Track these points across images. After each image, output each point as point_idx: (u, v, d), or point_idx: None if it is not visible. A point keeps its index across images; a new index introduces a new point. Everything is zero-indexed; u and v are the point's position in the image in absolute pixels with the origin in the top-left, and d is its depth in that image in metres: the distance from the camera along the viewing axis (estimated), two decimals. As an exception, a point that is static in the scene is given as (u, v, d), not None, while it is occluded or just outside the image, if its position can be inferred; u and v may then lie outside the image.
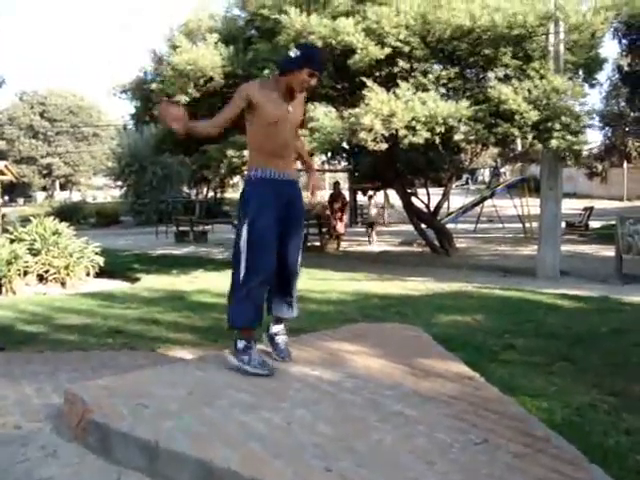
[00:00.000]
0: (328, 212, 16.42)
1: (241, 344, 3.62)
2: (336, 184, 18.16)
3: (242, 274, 3.53)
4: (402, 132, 9.11)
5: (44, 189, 50.97)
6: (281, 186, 3.67)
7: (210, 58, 10.64)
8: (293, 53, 3.59)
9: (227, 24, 12.16)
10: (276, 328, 3.93)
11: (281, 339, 3.90)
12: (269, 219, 3.58)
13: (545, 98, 9.24)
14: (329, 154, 17.58)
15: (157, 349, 5.18)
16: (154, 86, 11.55)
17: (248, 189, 3.68)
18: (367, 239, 17.22)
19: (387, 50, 9.57)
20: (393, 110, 9.04)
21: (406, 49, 9.75)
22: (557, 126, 9.31)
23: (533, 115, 9.20)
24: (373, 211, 18.67)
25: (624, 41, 19.20)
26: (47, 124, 48.25)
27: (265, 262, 3.57)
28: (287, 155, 3.74)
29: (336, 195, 16.96)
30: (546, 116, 9.30)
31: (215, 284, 8.57)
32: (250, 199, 3.62)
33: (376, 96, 9.26)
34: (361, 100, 9.55)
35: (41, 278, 9.90)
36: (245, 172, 3.78)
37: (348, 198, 24.93)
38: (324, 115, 9.79)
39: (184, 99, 10.64)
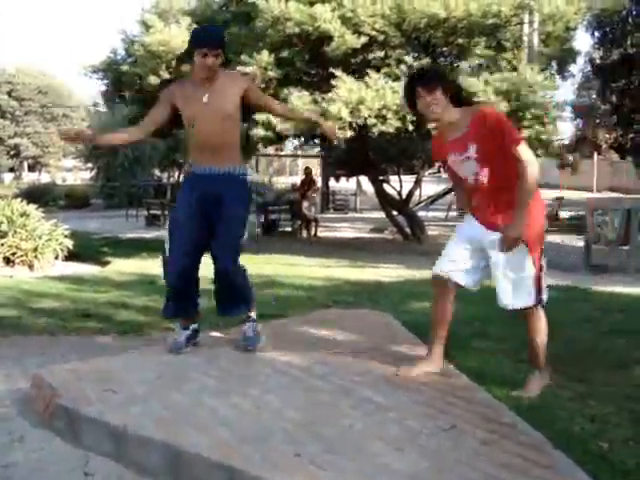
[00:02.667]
0: (298, 197, 16.37)
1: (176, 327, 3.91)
2: (307, 169, 18.13)
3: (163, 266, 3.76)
4: (371, 121, 9.12)
5: (11, 170, 50.01)
6: (205, 182, 3.58)
7: (183, 39, 10.51)
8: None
9: (201, 6, 12.02)
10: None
11: (247, 326, 3.81)
12: (183, 216, 3.61)
13: (515, 91, 9.32)
14: (302, 139, 17.54)
15: (127, 333, 5.14)
16: (125, 67, 11.39)
17: (183, 181, 3.91)
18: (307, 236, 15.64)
19: (363, 39, 9.56)
20: (362, 98, 9.03)
21: (381, 38, 9.75)
22: (527, 116, 9.40)
23: (502, 107, 9.28)
24: (305, 204, 15.83)
25: (597, 34, 19.45)
26: (15, 103, 47.26)
27: (174, 258, 3.60)
28: (214, 149, 3.57)
29: (307, 180, 16.96)
30: (516, 107, 9.39)
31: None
32: (179, 191, 3.78)
33: (344, 85, 9.25)
34: (333, 88, 9.54)
35: (8, 261, 9.72)
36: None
37: (321, 184, 24.94)
38: (297, 99, 9.76)
39: (155, 80, 10.50)
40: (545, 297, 3.28)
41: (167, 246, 3.62)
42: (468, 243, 3.30)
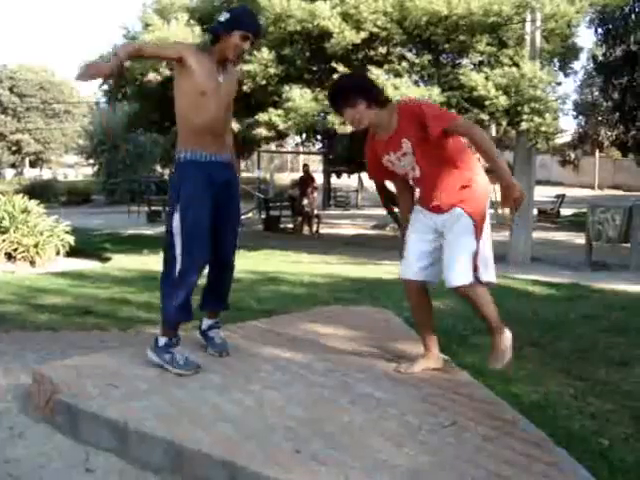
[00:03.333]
0: (297, 193, 16.37)
1: (162, 341, 3.33)
2: (305, 166, 18.16)
3: (178, 266, 3.26)
4: None
5: (13, 166, 50.02)
6: (215, 168, 3.34)
7: (182, 37, 10.50)
8: (222, 17, 3.29)
9: (202, 3, 12.01)
10: (208, 322, 3.67)
11: (215, 333, 3.66)
12: (203, 207, 3.28)
13: (514, 86, 9.32)
14: (304, 136, 17.53)
15: (128, 329, 5.15)
16: (127, 63, 11.38)
17: (178, 172, 3.34)
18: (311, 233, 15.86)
19: (363, 35, 9.55)
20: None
21: (383, 34, 9.75)
22: (527, 109, 9.41)
23: (503, 100, 9.28)
24: (305, 201, 16.01)
25: (599, 30, 19.39)
26: (17, 99, 47.23)
27: (200, 253, 3.30)
28: (219, 133, 3.37)
29: (305, 177, 16.98)
30: (516, 101, 9.39)
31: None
32: (181, 184, 3.29)
33: None
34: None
35: (9, 257, 9.74)
36: (177, 152, 3.36)
37: (322, 180, 24.94)
38: (300, 96, 9.76)
39: (154, 77, 10.50)
40: (487, 277, 3.21)
41: (179, 246, 3.27)
42: (424, 234, 3.29)
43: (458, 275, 3.08)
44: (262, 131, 10.10)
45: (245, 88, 9.85)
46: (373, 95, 3.19)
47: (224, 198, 3.39)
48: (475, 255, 3.12)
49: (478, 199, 3.19)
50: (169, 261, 3.33)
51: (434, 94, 9.27)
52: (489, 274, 3.22)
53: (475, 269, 3.13)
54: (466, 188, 3.16)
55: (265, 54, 9.98)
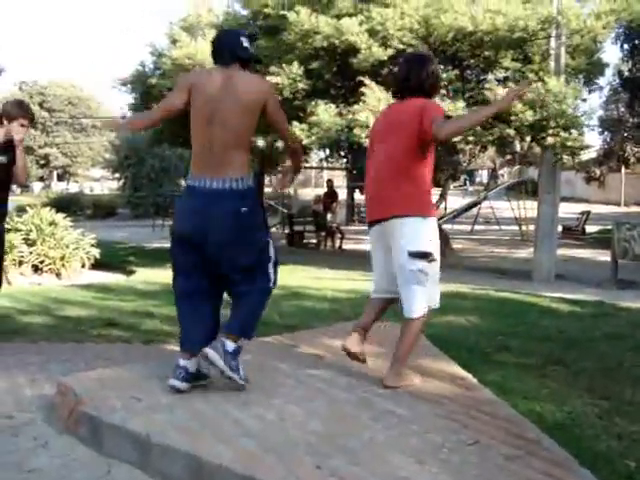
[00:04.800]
0: (321, 208, 16.43)
1: (233, 346, 3.19)
2: (329, 181, 18.22)
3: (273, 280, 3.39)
4: None
5: (41, 179, 50.81)
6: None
7: (209, 52, 10.62)
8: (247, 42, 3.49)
9: (228, 20, 12.15)
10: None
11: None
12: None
13: (540, 101, 9.28)
14: (327, 151, 17.57)
15: (151, 342, 5.18)
16: (154, 80, 11.55)
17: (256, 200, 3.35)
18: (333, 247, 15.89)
19: (390, 51, 9.60)
20: (390, 108, 9.08)
21: (409, 50, 9.78)
22: (552, 124, 9.36)
23: (529, 115, 9.24)
24: (329, 216, 16.18)
25: (625, 46, 19.25)
26: (46, 114, 48.08)
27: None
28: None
29: (329, 193, 17.03)
30: (541, 116, 9.34)
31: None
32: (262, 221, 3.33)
33: (373, 94, 9.28)
34: (360, 98, 9.58)
35: (36, 269, 9.87)
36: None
37: (346, 196, 24.95)
38: (324, 111, 9.82)
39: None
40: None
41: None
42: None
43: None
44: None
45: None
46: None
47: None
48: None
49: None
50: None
51: (459, 108, 9.27)
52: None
53: None
54: None
55: (295, 68, 10.06)
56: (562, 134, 9.35)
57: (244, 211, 3.14)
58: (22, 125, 4.45)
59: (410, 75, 3.41)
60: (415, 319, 3.31)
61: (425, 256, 3.24)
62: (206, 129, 3.18)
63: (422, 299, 3.29)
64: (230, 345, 3.14)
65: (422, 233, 3.24)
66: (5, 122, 4.43)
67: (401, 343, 3.37)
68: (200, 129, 3.21)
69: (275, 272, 3.36)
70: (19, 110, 4.47)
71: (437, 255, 3.31)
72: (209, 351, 3.08)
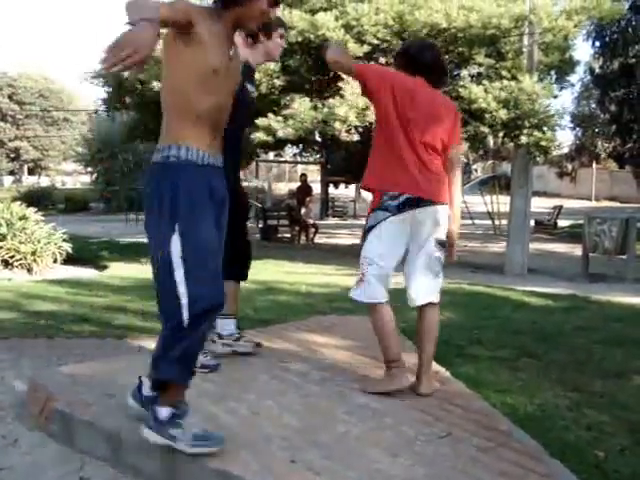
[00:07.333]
0: (295, 203, 16.46)
1: (165, 412, 2.45)
2: (302, 176, 18.24)
3: (183, 305, 2.35)
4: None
5: (11, 173, 50.05)
6: (214, 177, 2.52)
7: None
8: None
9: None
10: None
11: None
12: (210, 225, 2.46)
13: (513, 99, 9.36)
14: (301, 146, 17.57)
15: (124, 337, 5.14)
16: (127, 73, 11.41)
17: (169, 178, 2.40)
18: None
19: (366, 48, 9.61)
20: (368, 104, 9.08)
21: (384, 46, 9.81)
22: (526, 124, 9.46)
23: (502, 114, 9.33)
24: (302, 211, 16.10)
25: (597, 43, 19.52)
26: (16, 107, 47.34)
27: (212, 285, 2.40)
28: (221, 129, 2.57)
29: (303, 187, 17.08)
30: (515, 115, 9.43)
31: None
32: (176, 195, 2.38)
33: (351, 88, 9.29)
34: (336, 93, 9.58)
35: (6, 264, 9.72)
36: (161, 148, 2.46)
37: (320, 190, 25.00)
38: (299, 104, 9.82)
39: (157, 86, 10.52)
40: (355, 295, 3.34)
41: (177, 269, 2.36)
42: None
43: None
44: (260, 135, 10.10)
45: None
46: None
47: (221, 218, 2.61)
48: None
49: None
50: (168, 302, 2.40)
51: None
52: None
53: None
54: None
55: (272, 65, 10.02)
56: (536, 133, 9.45)
57: (146, 192, 2.46)
58: None
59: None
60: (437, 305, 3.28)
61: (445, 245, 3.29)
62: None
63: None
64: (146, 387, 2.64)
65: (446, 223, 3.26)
66: None
67: (429, 344, 3.26)
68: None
69: (181, 293, 2.35)
70: None
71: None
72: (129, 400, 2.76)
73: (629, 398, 3.55)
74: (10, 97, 47.62)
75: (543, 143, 9.64)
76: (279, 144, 12.21)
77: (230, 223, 2.72)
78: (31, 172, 51.67)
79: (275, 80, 10.20)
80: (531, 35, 10.08)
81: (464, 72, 11.11)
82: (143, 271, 9.31)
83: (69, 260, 10.51)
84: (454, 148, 3.26)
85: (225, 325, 3.67)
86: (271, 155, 25.64)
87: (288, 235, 16.29)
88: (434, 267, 3.25)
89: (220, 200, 2.55)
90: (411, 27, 9.64)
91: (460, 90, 9.72)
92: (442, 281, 3.32)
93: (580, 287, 8.45)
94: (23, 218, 10.28)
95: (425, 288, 3.25)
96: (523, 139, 9.52)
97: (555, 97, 10.59)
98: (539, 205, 18.86)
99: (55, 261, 10.24)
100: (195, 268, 2.36)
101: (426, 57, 3.26)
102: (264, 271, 8.89)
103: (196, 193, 2.41)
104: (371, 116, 9.11)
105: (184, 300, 2.35)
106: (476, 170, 38.64)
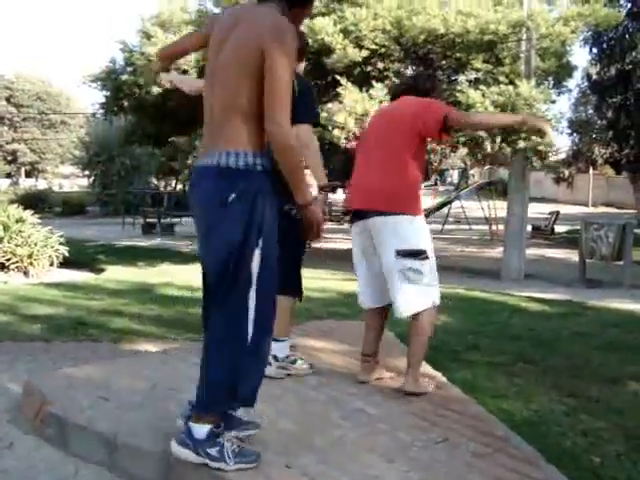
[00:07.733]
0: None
1: (204, 430, 2.35)
2: None
3: (250, 328, 2.32)
4: None
5: (8, 176, 49.97)
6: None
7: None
8: None
9: (202, 17, 12.06)
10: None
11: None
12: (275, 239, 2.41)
13: (511, 104, 9.38)
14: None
15: (120, 341, 5.13)
16: (125, 77, 11.42)
17: (261, 188, 2.30)
18: None
19: (365, 53, 9.63)
20: (367, 110, 9.08)
21: (382, 51, 9.82)
22: (524, 128, 9.48)
23: None
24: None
25: (594, 50, 19.57)
26: (13, 109, 47.31)
27: (275, 306, 2.45)
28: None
29: None
30: None
31: (181, 277, 8.50)
32: (259, 205, 2.28)
33: (350, 94, 9.30)
34: (335, 97, 9.58)
35: (3, 267, 9.69)
36: (240, 154, 2.28)
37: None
38: None
39: (156, 90, 10.53)
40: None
41: (253, 289, 2.32)
42: None
43: None
44: None
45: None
46: None
47: None
48: None
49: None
50: (238, 324, 2.32)
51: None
52: None
53: None
54: None
55: None
56: (534, 138, 9.46)
57: (232, 198, 2.25)
58: None
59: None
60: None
61: (416, 254, 3.18)
62: (208, 88, 2.41)
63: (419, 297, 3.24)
64: (197, 430, 2.37)
65: (412, 231, 3.21)
66: None
67: (412, 346, 3.26)
68: (205, 88, 2.45)
69: (251, 316, 2.33)
70: None
71: (430, 253, 3.26)
72: (175, 447, 2.41)
73: (625, 404, 3.55)
74: (8, 100, 47.59)
75: (541, 148, 9.66)
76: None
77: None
78: (28, 175, 51.63)
79: None
80: (528, 41, 10.11)
81: (462, 77, 11.12)
82: (140, 275, 9.31)
83: (65, 263, 10.49)
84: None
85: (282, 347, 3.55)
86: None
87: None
88: (409, 277, 3.17)
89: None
90: (409, 32, 9.66)
91: (458, 95, 9.73)
92: (429, 287, 3.23)
93: (577, 293, 8.46)
94: (20, 221, 10.26)
95: (402, 301, 3.22)
96: (521, 144, 9.53)
97: (553, 102, 10.61)
98: (536, 211, 18.90)
99: (52, 264, 10.22)
100: (265, 290, 2.33)
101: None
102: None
103: (275, 207, 2.37)
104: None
105: (251, 315, 2.32)
106: (473, 175, 38.69)
